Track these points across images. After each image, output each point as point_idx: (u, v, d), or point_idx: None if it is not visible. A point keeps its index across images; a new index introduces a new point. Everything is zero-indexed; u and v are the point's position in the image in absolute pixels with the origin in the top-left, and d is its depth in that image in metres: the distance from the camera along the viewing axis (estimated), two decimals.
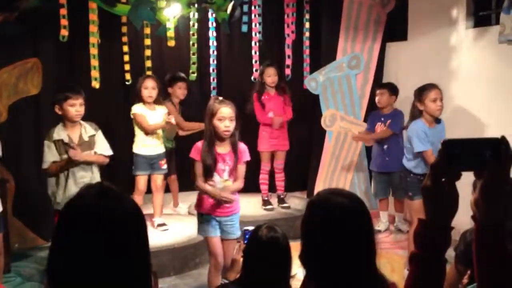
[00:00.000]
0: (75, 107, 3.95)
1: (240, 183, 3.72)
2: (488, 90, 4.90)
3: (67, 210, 1.26)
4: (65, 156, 3.92)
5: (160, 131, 5.05)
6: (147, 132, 4.93)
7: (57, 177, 3.99)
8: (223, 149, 3.65)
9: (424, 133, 4.18)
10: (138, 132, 4.98)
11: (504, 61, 4.70)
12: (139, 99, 4.96)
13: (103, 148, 4.17)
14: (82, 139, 4.04)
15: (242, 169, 3.71)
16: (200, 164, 3.63)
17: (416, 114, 4.31)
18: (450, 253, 3.18)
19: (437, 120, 4.30)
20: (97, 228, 1.20)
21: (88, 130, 4.12)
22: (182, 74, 5.71)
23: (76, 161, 3.91)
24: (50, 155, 3.94)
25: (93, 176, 4.09)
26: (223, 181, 3.67)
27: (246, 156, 3.73)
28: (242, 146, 3.73)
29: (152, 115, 4.98)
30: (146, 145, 4.97)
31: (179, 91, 5.58)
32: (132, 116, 4.95)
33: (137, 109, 4.93)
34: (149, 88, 4.92)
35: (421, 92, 4.25)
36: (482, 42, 4.95)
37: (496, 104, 4.82)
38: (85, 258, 1.18)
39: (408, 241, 4.56)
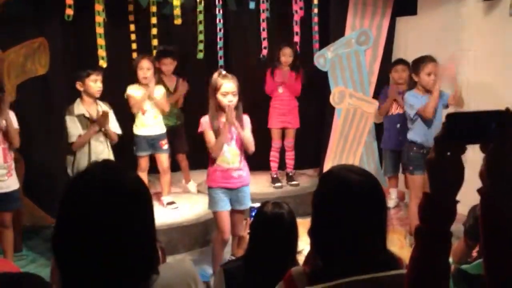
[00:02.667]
0: (97, 83, 4.29)
1: (249, 132, 3.77)
2: (499, 64, 4.82)
3: (72, 185, 1.26)
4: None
5: (158, 112, 5.01)
6: (141, 112, 4.93)
7: (75, 155, 4.26)
8: (224, 119, 3.71)
9: (414, 97, 4.37)
10: (136, 112, 4.97)
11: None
12: (136, 79, 4.95)
13: (114, 126, 4.47)
14: (99, 115, 4.32)
15: (247, 131, 3.77)
16: (211, 133, 3.69)
17: (411, 84, 4.52)
18: (459, 228, 3.18)
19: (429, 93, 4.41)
20: (102, 201, 1.21)
21: (103, 107, 4.40)
22: (170, 48, 5.57)
23: (104, 127, 4.31)
24: (76, 129, 4.24)
25: (109, 153, 4.39)
26: (231, 150, 3.73)
27: (248, 124, 3.80)
28: (245, 117, 3.81)
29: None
30: (145, 125, 4.98)
31: (164, 67, 5.45)
32: (125, 97, 4.94)
33: (131, 90, 4.93)
34: (144, 68, 4.89)
35: (417, 64, 4.41)
36: (493, 15, 4.86)
37: (507, 77, 4.75)
38: (89, 232, 1.18)
39: (408, 215, 4.56)
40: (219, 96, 3.65)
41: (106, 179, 1.25)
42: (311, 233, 1.60)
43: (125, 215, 1.22)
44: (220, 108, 3.69)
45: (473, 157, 4.18)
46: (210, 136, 3.70)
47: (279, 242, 2.29)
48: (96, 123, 4.28)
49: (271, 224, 2.34)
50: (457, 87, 4.41)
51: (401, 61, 5.43)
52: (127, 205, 1.24)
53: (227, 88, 3.64)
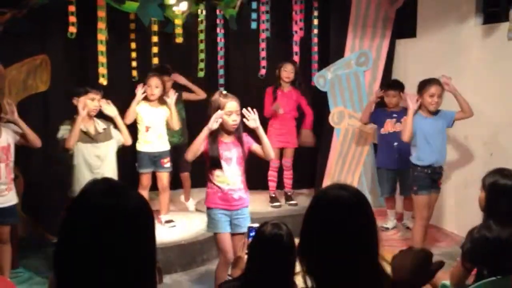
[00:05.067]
0: (94, 101, 4.26)
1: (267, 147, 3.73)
2: (497, 87, 4.85)
3: (73, 205, 1.27)
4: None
5: (163, 129, 5.04)
6: (144, 128, 4.96)
7: (74, 169, 4.23)
8: (227, 139, 3.72)
9: (416, 119, 4.40)
10: (140, 128, 4.99)
11: (510, 58, 4.66)
12: (146, 97, 4.99)
13: (119, 139, 4.47)
14: (97, 131, 4.33)
15: (258, 146, 3.76)
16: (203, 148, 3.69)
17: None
18: (457, 250, 3.17)
19: (435, 113, 4.46)
20: (103, 223, 1.21)
21: (100, 124, 4.38)
22: (168, 66, 5.60)
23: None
24: (65, 130, 4.21)
25: (109, 167, 4.34)
26: (231, 170, 3.70)
27: (252, 140, 3.81)
28: (245, 135, 3.80)
29: (152, 112, 5.01)
30: (147, 142, 5.00)
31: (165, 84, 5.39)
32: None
33: (138, 107, 4.96)
34: (152, 86, 4.95)
35: (422, 85, 4.45)
36: (492, 39, 4.90)
37: (505, 101, 4.78)
38: (91, 253, 1.18)
39: (412, 237, 4.55)
40: (224, 116, 3.64)
41: (107, 200, 1.25)
42: (301, 252, 1.60)
43: (126, 236, 1.22)
44: (222, 128, 3.69)
45: (472, 179, 4.16)
46: (202, 134, 3.68)
47: (277, 264, 2.28)
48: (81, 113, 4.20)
49: (270, 245, 2.33)
50: (461, 100, 4.45)
51: (392, 86, 5.41)
52: (129, 226, 1.24)
53: (231, 107, 3.64)
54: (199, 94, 5.75)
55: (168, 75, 5.52)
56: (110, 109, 4.43)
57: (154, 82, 4.97)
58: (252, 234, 2.51)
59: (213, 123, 3.60)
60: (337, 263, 1.50)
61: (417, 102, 4.43)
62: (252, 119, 3.66)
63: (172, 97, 5.01)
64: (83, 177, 4.15)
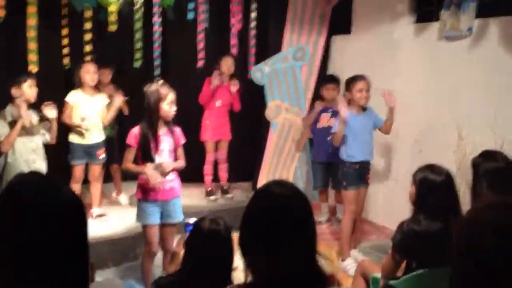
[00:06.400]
0: (32, 88, 4.23)
1: (183, 162, 3.78)
2: (427, 85, 5.03)
3: (5, 197, 1.22)
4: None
5: (98, 121, 4.90)
6: (80, 119, 4.80)
7: (6, 162, 4.10)
8: (161, 130, 3.68)
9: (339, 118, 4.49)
10: (74, 119, 4.81)
11: (443, 57, 4.84)
12: (79, 84, 4.81)
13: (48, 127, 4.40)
14: (32, 123, 4.26)
15: (181, 151, 3.79)
16: (133, 150, 3.63)
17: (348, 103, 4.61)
18: (388, 243, 3.27)
19: (364, 109, 4.57)
20: (35, 217, 1.16)
21: (33, 115, 4.29)
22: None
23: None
24: (3, 131, 4.08)
25: (41, 161, 4.29)
26: (163, 161, 3.67)
27: (183, 139, 3.81)
28: (178, 129, 3.78)
29: (90, 101, 4.84)
30: (82, 133, 4.83)
31: (101, 77, 5.26)
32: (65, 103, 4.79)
33: (71, 97, 4.80)
34: (91, 72, 4.80)
35: (349, 82, 4.56)
36: (423, 37, 5.07)
37: (433, 99, 4.96)
38: (19, 248, 1.14)
39: (341, 231, 4.66)
40: (165, 106, 3.59)
41: (37, 194, 1.21)
42: (241, 246, 1.60)
43: (57, 231, 1.19)
44: (161, 118, 3.63)
45: (402, 174, 4.28)
46: (129, 152, 3.64)
47: (215, 259, 2.27)
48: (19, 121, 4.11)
49: (207, 241, 2.31)
50: (391, 118, 4.56)
51: (331, 79, 5.54)
52: (60, 220, 1.20)
53: (172, 97, 3.62)
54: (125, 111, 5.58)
55: (111, 67, 5.36)
56: (51, 112, 4.31)
57: (92, 68, 4.82)
58: (189, 229, 2.47)
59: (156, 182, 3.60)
60: (276, 258, 1.51)
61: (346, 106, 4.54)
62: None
63: (117, 99, 4.93)
64: (14, 172, 3.98)
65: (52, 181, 1.27)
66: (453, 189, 2.82)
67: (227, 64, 5.61)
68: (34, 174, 1.31)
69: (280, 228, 1.53)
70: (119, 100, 4.93)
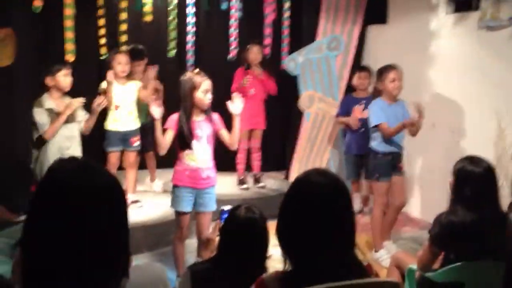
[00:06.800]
0: (67, 77, 4.26)
1: (236, 136, 3.77)
2: (465, 76, 4.93)
3: (45, 183, 1.23)
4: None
5: (133, 107, 4.96)
6: (114, 107, 4.87)
7: (40, 149, 4.17)
8: (199, 117, 3.70)
9: (380, 108, 4.42)
10: (109, 107, 4.89)
11: (482, 47, 4.73)
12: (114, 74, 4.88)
13: (85, 117, 4.46)
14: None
15: (225, 132, 3.77)
16: (171, 132, 3.64)
17: (375, 94, 4.62)
18: (422, 235, 3.24)
19: (396, 100, 4.49)
20: (76, 200, 1.17)
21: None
22: (140, 48, 5.45)
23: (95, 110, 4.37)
24: (44, 121, 4.16)
25: (77, 148, 4.34)
26: (201, 148, 3.69)
27: (222, 124, 3.81)
28: (216, 116, 3.79)
29: (121, 90, 4.91)
30: (117, 120, 4.92)
31: (138, 68, 5.32)
32: (99, 91, 4.86)
33: (104, 86, 4.87)
34: (122, 63, 4.86)
35: (381, 72, 4.49)
36: (462, 27, 4.97)
37: (472, 90, 4.86)
38: (61, 231, 1.15)
39: (371, 223, 4.60)
40: (200, 94, 3.60)
41: (78, 177, 1.22)
42: (279, 235, 1.60)
43: (99, 214, 1.20)
44: (196, 106, 3.64)
45: (436, 166, 4.23)
46: (168, 136, 3.65)
47: (250, 247, 2.28)
48: (63, 110, 4.18)
49: (243, 228, 2.32)
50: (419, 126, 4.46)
51: (364, 68, 5.50)
52: (101, 203, 1.21)
53: (208, 85, 3.62)
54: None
55: (142, 59, 5.39)
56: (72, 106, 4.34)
57: (124, 59, 4.88)
58: (225, 216, 2.49)
59: (158, 114, 3.59)
60: (314, 247, 1.51)
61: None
62: (237, 105, 3.68)
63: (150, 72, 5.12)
64: (52, 159, 4.07)
65: (91, 165, 1.28)
66: (492, 182, 2.76)
67: (254, 52, 5.60)
68: (73, 159, 1.33)
69: (319, 217, 1.52)
70: (153, 72, 5.02)
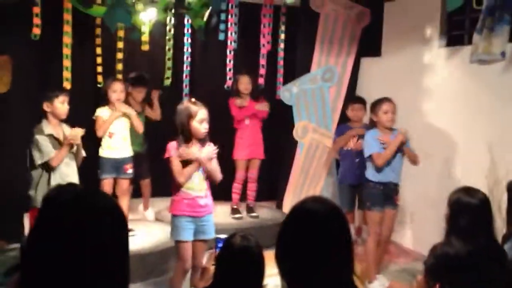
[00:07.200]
0: (64, 104, 4.25)
1: (215, 162, 3.80)
2: (458, 108, 4.99)
3: (47, 207, 1.23)
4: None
5: (127, 135, 4.98)
6: (100, 135, 4.88)
7: (40, 175, 4.12)
8: (195, 147, 3.70)
9: (373, 138, 4.48)
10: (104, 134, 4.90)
11: (475, 80, 4.81)
12: (106, 101, 4.91)
13: (80, 148, 4.39)
14: (66, 137, 4.23)
15: (216, 164, 3.80)
16: (177, 160, 3.63)
17: (370, 125, 4.68)
18: (416, 266, 3.23)
19: (391, 131, 4.54)
20: (79, 224, 1.18)
21: (66, 130, 4.30)
22: (144, 76, 5.59)
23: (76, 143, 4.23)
24: (49, 148, 4.12)
25: (75, 175, 4.29)
26: (199, 176, 3.70)
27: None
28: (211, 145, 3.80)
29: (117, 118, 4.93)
30: (111, 148, 4.93)
31: (136, 94, 5.46)
32: (94, 118, 4.88)
33: (101, 112, 4.89)
34: (118, 91, 4.89)
35: (375, 105, 4.58)
36: (455, 61, 5.05)
37: (465, 122, 4.91)
38: (65, 254, 1.16)
39: (365, 252, 4.59)
40: (195, 123, 3.62)
41: (80, 202, 1.23)
42: (278, 262, 1.60)
43: (100, 238, 1.20)
44: (192, 136, 3.66)
45: (429, 197, 4.22)
46: (177, 163, 3.65)
47: (246, 276, 2.26)
48: (68, 139, 4.18)
49: (239, 257, 2.31)
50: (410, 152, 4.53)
51: (358, 100, 5.52)
52: (103, 227, 1.22)
53: (203, 114, 3.65)
54: (157, 115, 5.67)
55: (146, 85, 5.47)
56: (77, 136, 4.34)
57: (119, 87, 4.91)
58: (220, 245, 2.48)
59: (207, 160, 3.63)
60: (313, 274, 1.51)
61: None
62: (205, 152, 3.70)
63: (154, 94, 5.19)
64: (53, 185, 4.05)
65: (91, 190, 1.30)
66: (488, 213, 2.77)
67: (244, 83, 5.62)
68: (72, 185, 1.34)
69: (318, 244, 1.53)
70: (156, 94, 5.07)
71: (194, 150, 3.62)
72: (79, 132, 4.21)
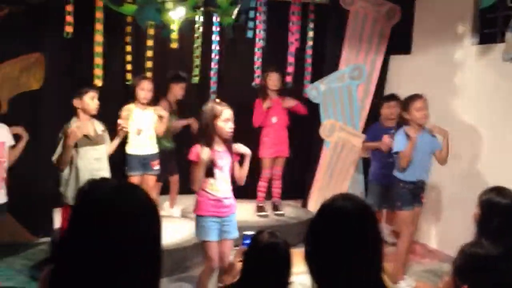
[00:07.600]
0: (94, 100, 4.28)
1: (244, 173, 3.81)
2: (490, 107, 4.91)
3: (82, 203, 1.25)
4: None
5: (153, 132, 5.02)
6: (136, 132, 4.93)
7: (69, 171, 4.17)
8: (220, 147, 3.72)
9: (404, 137, 4.38)
10: (131, 131, 4.94)
11: (507, 78, 4.72)
12: (133, 99, 4.96)
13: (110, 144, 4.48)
14: (96, 133, 4.31)
15: (238, 165, 3.81)
16: (201, 166, 3.61)
17: (400, 123, 4.55)
18: (441, 267, 3.18)
19: (423, 128, 4.45)
20: (114, 219, 1.20)
21: (98, 125, 4.37)
22: (184, 74, 5.71)
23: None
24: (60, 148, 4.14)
25: (106, 170, 4.34)
26: (223, 177, 3.72)
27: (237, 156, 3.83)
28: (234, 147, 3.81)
29: (143, 115, 4.98)
30: (138, 145, 4.97)
31: (180, 91, 5.58)
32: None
33: (125, 111, 4.93)
34: (145, 90, 4.92)
35: (407, 102, 4.48)
36: (486, 59, 4.96)
37: (497, 121, 4.83)
38: (101, 250, 1.17)
39: (397, 253, 4.54)
40: (220, 123, 3.64)
41: (117, 197, 1.25)
42: (308, 261, 1.59)
43: (136, 233, 1.22)
44: (217, 136, 3.68)
45: (456, 197, 4.15)
46: (198, 169, 3.63)
47: (273, 272, 2.27)
48: (69, 138, 4.08)
49: (266, 253, 2.32)
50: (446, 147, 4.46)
51: (393, 97, 5.45)
52: (139, 222, 1.24)
53: (228, 114, 3.66)
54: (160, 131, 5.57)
55: (186, 82, 5.62)
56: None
57: (148, 85, 4.95)
58: (247, 241, 2.49)
59: (205, 157, 3.58)
60: (342, 272, 1.50)
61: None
62: (244, 149, 3.75)
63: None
64: (82, 181, 4.09)
65: (128, 184, 1.32)
66: None
67: (273, 79, 5.61)
68: (106, 180, 1.35)
69: (348, 242, 1.52)
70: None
71: (205, 152, 3.60)
72: (78, 131, 4.12)
